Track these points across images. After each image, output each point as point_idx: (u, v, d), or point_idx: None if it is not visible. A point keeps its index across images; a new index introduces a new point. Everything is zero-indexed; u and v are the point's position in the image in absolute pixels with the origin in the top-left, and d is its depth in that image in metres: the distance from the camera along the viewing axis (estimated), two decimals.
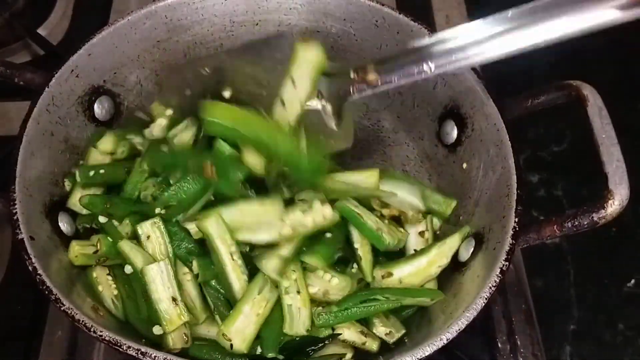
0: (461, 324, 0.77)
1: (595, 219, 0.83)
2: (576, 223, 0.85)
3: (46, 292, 0.77)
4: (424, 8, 1.49)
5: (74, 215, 0.98)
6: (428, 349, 0.75)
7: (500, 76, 1.04)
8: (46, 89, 0.94)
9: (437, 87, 1.06)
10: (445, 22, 1.42)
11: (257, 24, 1.15)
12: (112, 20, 1.05)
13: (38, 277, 0.78)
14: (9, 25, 1.35)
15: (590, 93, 0.92)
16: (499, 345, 1.04)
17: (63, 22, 1.48)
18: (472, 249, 0.93)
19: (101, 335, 0.74)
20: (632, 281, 1.20)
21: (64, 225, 0.94)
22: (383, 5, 1.07)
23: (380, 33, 1.09)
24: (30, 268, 0.78)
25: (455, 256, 0.96)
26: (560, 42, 0.73)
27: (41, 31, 1.45)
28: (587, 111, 0.90)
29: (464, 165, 1.03)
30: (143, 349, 0.73)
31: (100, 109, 1.04)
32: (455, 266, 0.96)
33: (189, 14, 1.09)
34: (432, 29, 1.02)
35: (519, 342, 1.04)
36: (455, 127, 1.05)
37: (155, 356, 0.73)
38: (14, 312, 1.07)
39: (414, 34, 1.05)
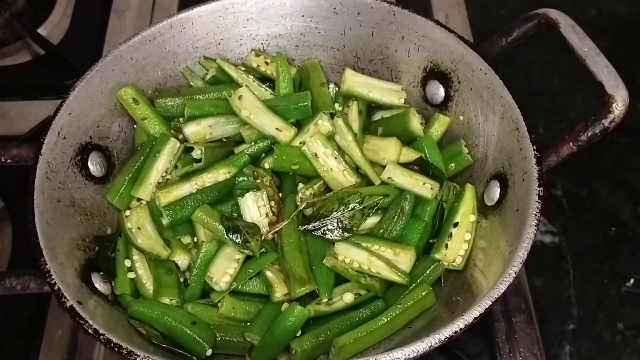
0: (526, 248, 0.80)
1: (605, 124, 0.87)
2: (589, 134, 0.88)
3: (116, 349, 0.74)
4: (424, 8, 1.49)
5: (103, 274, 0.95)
6: (502, 287, 0.77)
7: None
8: (40, 156, 0.91)
9: (410, 53, 1.09)
10: (446, 22, 1.43)
11: (219, 43, 1.15)
12: (111, 14, 1.09)
13: (102, 337, 0.75)
14: (9, 25, 1.35)
15: (558, 16, 0.96)
16: (499, 345, 1.04)
17: (63, 22, 1.48)
18: (499, 189, 0.95)
19: None
20: (632, 281, 1.22)
21: (100, 285, 0.91)
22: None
23: (341, 19, 1.11)
24: (90, 331, 0.75)
25: (482, 204, 0.98)
26: None
27: (41, 31, 1.45)
28: (562, 33, 0.94)
29: (461, 118, 1.05)
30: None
31: (93, 165, 1.01)
32: (486, 211, 0.96)
33: (153, 51, 1.08)
34: None
35: (518, 342, 1.04)
36: (441, 86, 1.07)
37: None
38: (14, 312, 1.07)
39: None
